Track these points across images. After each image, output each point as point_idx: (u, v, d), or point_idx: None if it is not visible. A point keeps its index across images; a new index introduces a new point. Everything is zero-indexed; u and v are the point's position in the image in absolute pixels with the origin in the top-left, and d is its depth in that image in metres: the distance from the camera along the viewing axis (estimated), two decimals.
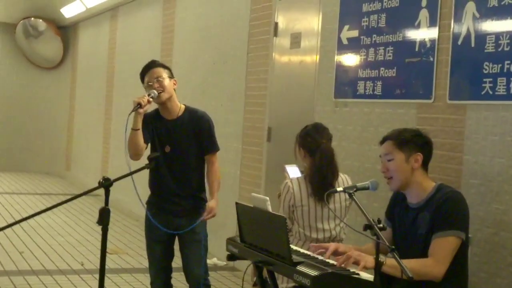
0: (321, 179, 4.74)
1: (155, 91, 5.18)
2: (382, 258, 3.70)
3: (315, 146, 4.80)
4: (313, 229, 4.81)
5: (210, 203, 5.25)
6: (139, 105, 5.03)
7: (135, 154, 5.20)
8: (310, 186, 4.78)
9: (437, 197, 4.04)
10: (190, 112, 5.37)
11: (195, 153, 5.34)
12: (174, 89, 5.35)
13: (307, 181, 4.81)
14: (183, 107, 5.39)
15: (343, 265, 3.76)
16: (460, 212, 4.00)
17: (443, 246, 3.91)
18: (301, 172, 5.05)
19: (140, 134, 5.15)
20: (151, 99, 5.13)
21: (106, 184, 4.39)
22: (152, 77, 5.27)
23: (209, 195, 5.36)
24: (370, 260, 3.74)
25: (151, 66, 5.35)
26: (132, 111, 5.06)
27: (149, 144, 5.34)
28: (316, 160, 4.78)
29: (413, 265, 3.68)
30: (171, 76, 5.36)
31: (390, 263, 3.69)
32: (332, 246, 4.11)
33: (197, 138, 5.32)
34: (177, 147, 5.29)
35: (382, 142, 4.22)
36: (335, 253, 4.03)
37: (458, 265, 4.00)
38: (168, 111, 5.34)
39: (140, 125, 5.12)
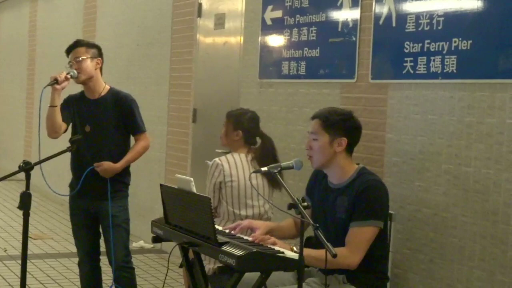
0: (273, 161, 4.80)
1: (75, 71, 5.16)
2: (294, 248, 3.75)
3: (254, 132, 5.06)
4: (242, 205, 4.85)
5: (108, 163, 5.15)
6: (55, 81, 5.01)
7: (52, 131, 5.18)
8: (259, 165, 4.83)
9: (357, 183, 4.05)
10: (113, 93, 5.32)
11: (116, 133, 5.25)
12: (101, 68, 5.29)
13: (249, 161, 4.93)
14: (107, 87, 5.33)
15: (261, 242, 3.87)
16: (378, 201, 4.03)
17: (359, 236, 3.95)
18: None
19: (57, 111, 5.14)
20: (69, 76, 5.10)
21: (26, 167, 4.35)
22: (73, 57, 5.24)
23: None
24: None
25: (74, 46, 5.29)
26: (48, 85, 5.03)
27: (70, 127, 5.30)
28: (267, 144, 5.04)
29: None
30: (96, 56, 5.27)
31: (305, 253, 3.57)
32: (245, 222, 4.24)
33: (120, 118, 5.24)
34: (97, 126, 5.22)
35: (312, 118, 4.22)
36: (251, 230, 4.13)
37: (377, 250, 4.04)
38: (91, 91, 5.29)
39: (57, 102, 5.12)
